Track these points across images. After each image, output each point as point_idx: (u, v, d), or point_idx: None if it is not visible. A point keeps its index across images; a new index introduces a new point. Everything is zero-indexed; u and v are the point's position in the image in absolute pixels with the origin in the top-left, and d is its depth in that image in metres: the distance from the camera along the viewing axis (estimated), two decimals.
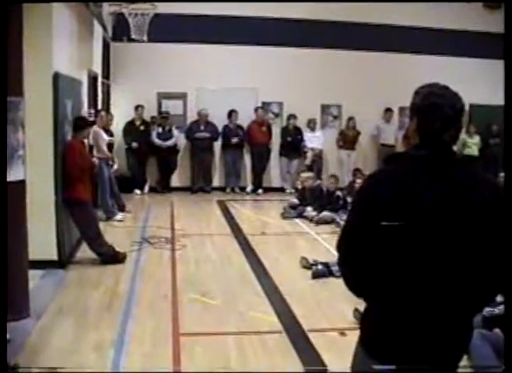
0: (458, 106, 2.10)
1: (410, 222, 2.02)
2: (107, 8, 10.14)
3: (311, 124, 12.60)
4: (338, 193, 9.88)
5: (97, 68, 10.38)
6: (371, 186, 2.13)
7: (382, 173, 2.20)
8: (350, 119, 12.78)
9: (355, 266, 2.10)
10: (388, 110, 12.84)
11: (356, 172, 10.69)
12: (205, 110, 12.29)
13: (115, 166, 9.50)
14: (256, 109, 12.51)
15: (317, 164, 12.44)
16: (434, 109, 2.08)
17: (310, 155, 12.40)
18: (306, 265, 6.73)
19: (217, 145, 12.65)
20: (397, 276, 2.05)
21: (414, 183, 2.05)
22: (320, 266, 6.49)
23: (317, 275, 6.42)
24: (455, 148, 2.17)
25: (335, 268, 6.13)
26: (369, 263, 2.07)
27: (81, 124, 6.91)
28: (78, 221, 6.79)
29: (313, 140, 12.48)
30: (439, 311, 2.05)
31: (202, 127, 12.30)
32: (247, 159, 12.77)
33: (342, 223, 9.17)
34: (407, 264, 2.04)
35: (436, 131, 2.09)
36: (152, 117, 12.42)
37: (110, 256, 6.78)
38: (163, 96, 12.59)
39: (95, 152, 8.75)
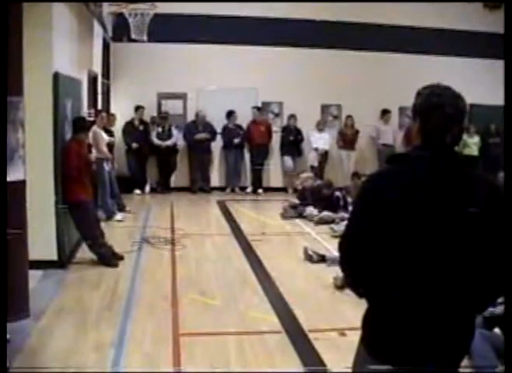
0: (460, 106, 2.10)
1: (411, 223, 2.02)
2: (107, 8, 10.14)
3: (320, 126, 12.60)
4: (338, 193, 9.88)
5: (97, 68, 10.37)
6: (373, 186, 2.12)
7: (383, 174, 2.20)
8: (348, 117, 12.74)
9: (357, 266, 2.11)
10: (386, 112, 12.77)
11: (354, 176, 10.67)
12: (202, 112, 12.29)
13: (109, 166, 9.48)
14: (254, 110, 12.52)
15: (321, 164, 12.45)
16: (435, 109, 2.08)
17: (313, 155, 12.40)
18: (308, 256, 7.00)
19: (216, 145, 12.64)
20: (399, 276, 2.05)
21: (415, 184, 2.05)
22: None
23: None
24: (456, 148, 2.17)
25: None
26: (371, 263, 2.07)
27: (80, 125, 6.91)
28: (78, 223, 6.77)
29: (319, 141, 12.49)
30: (441, 312, 2.05)
31: (201, 128, 12.30)
32: (248, 159, 12.76)
33: (337, 228, 9.20)
34: (409, 264, 2.04)
35: (438, 132, 2.08)
36: (152, 117, 12.42)
37: (109, 258, 6.76)
38: (162, 96, 12.58)
39: (94, 152, 8.73)
